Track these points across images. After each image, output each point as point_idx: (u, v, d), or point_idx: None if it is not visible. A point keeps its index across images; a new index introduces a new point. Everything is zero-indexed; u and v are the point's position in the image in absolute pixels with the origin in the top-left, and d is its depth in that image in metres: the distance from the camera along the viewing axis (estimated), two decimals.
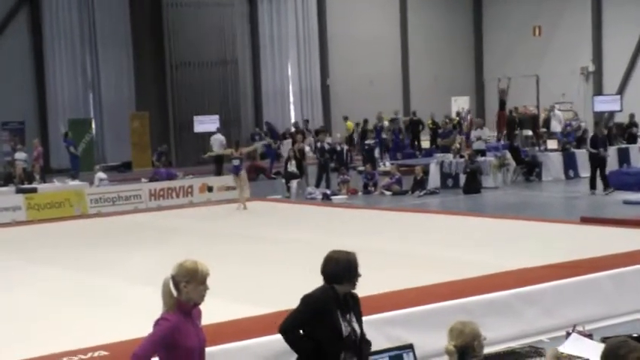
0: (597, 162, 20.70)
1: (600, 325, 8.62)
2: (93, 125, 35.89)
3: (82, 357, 7.18)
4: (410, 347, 5.71)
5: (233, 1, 37.60)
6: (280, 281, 10.59)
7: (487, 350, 6.62)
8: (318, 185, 23.99)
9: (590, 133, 25.68)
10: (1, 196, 21.36)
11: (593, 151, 20.83)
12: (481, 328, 5.04)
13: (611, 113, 34.27)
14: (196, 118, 34.86)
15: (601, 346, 5.60)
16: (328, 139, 27.39)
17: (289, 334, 5.69)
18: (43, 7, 35.32)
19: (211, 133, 31.89)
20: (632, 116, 29.58)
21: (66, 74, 35.91)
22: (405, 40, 42.69)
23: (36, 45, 35.24)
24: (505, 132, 28.85)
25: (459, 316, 5.60)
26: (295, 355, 5.74)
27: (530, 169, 24.19)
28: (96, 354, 7.25)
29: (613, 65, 38.66)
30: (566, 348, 6.75)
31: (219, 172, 27.50)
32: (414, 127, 35.51)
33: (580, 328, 7.32)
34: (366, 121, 33.77)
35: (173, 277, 5.07)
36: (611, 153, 23.10)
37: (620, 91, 37.19)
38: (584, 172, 23.84)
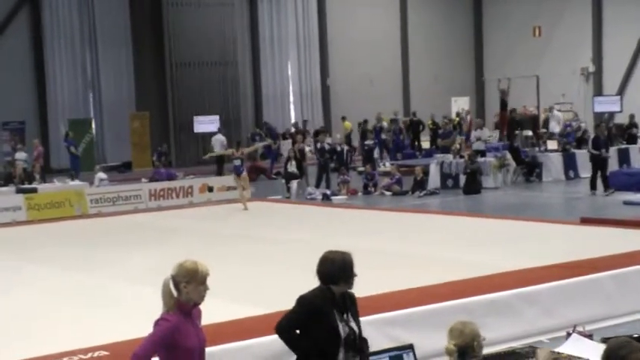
0: (599, 163, 20.68)
1: (600, 326, 8.61)
2: (93, 125, 35.90)
3: (82, 357, 7.18)
4: (410, 347, 5.71)
5: (233, 1, 37.61)
6: (280, 282, 10.58)
7: (487, 350, 6.62)
8: (318, 186, 23.99)
9: (590, 134, 25.70)
10: (2, 196, 21.36)
11: (595, 152, 20.81)
12: (481, 328, 5.04)
13: (611, 114, 34.27)
14: (196, 119, 34.90)
15: (601, 347, 5.59)
16: (328, 140, 27.40)
17: (285, 333, 5.70)
18: (43, 6, 35.33)
19: (211, 134, 31.93)
20: (632, 117, 29.57)
21: (66, 74, 35.92)
22: (405, 40, 42.70)
23: (36, 45, 35.25)
24: (506, 132, 28.84)
25: (459, 317, 5.60)
26: (295, 356, 5.75)
27: (531, 170, 24.18)
28: (96, 354, 7.25)
29: (613, 66, 38.66)
30: (566, 348, 6.75)
31: (220, 173, 27.52)
32: (415, 127, 35.50)
33: (580, 329, 7.32)
34: (365, 122, 33.78)
35: (173, 278, 5.07)
36: (611, 154, 23.09)
37: (620, 91, 37.20)
38: (585, 172, 23.84)
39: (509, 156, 24.06)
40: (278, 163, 30.63)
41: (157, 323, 5.04)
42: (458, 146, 25.52)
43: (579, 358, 6.43)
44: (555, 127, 29.70)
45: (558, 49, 39.72)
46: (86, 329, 8.74)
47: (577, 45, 39.42)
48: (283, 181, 24.14)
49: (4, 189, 22.80)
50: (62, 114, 35.26)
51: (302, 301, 5.64)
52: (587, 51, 39.48)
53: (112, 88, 36.89)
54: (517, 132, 27.43)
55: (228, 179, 23.04)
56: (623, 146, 26.52)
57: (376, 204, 21.29)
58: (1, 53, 33.78)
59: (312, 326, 5.54)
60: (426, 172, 23.64)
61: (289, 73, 40.76)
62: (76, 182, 24.40)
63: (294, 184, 23.33)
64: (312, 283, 5.72)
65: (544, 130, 28.91)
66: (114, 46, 36.45)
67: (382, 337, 7.71)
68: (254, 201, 20.75)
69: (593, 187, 20.68)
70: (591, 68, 39.56)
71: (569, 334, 7.18)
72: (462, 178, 22.93)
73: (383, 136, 32.30)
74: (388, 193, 22.91)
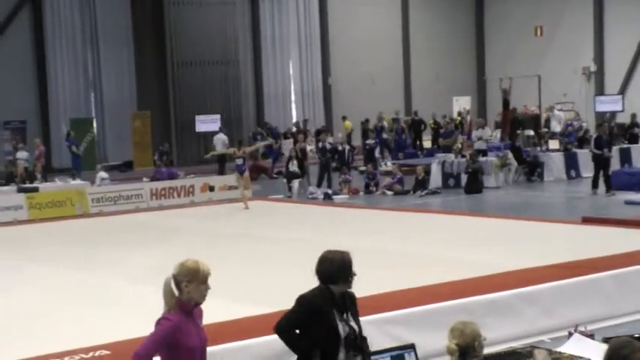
0: (601, 163, 20.64)
1: (602, 326, 8.61)
2: (94, 124, 35.93)
3: (84, 356, 7.18)
4: (411, 347, 5.71)
5: (235, 0, 37.61)
6: (281, 281, 10.57)
7: (488, 350, 6.62)
8: (319, 185, 23.98)
9: (592, 134, 25.65)
10: (3, 196, 21.38)
11: (597, 151, 20.78)
12: (482, 328, 5.04)
13: (613, 113, 34.25)
14: (198, 118, 34.90)
15: (603, 347, 5.60)
16: (330, 139, 27.39)
17: (284, 333, 5.71)
18: (45, 6, 35.34)
19: (212, 133, 31.95)
20: (633, 116, 29.54)
21: (67, 74, 35.93)
22: (407, 39, 42.69)
23: (37, 44, 35.25)
24: (508, 132, 28.80)
25: (460, 316, 5.60)
26: (295, 356, 5.75)
27: (532, 169, 24.17)
28: (97, 353, 7.25)
29: (615, 65, 38.65)
30: (568, 348, 6.75)
31: (222, 172, 27.54)
32: (417, 126, 35.49)
33: (582, 329, 7.32)
34: (367, 121, 33.77)
35: (174, 277, 5.07)
36: (613, 153, 23.07)
37: (622, 91, 37.18)
38: (586, 172, 23.82)
39: (510, 155, 24.05)
40: (279, 163, 30.64)
41: (158, 322, 5.04)
42: (459, 146, 25.51)
43: (581, 357, 6.43)
44: (556, 127, 29.67)
45: (560, 49, 39.71)
46: (87, 328, 8.74)
47: (578, 44, 39.41)
48: (285, 180, 24.14)
49: (5, 188, 22.81)
50: (63, 113, 35.27)
51: (301, 300, 5.65)
52: (588, 50, 39.47)
53: (114, 87, 36.89)
54: (519, 131, 27.41)
55: (230, 178, 23.06)
56: (625, 146, 26.50)
57: (378, 203, 21.28)
58: (2, 53, 33.80)
59: (312, 326, 5.54)
60: (427, 172, 23.63)
61: (291, 72, 40.77)
62: (78, 181, 24.41)
63: (295, 183, 23.33)
64: (314, 282, 5.73)
65: (545, 130, 28.88)
66: (115, 45, 36.46)
67: (383, 336, 7.71)
68: (255, 200, 20.75)
69: (594, 186, 20.66)
70: (593, 68, 39.55)
71: (570, 334, 7.18)
72: (464, 178, 22.92)
73: (384, 136, 32.28)
74: (390, 192, 22.90)
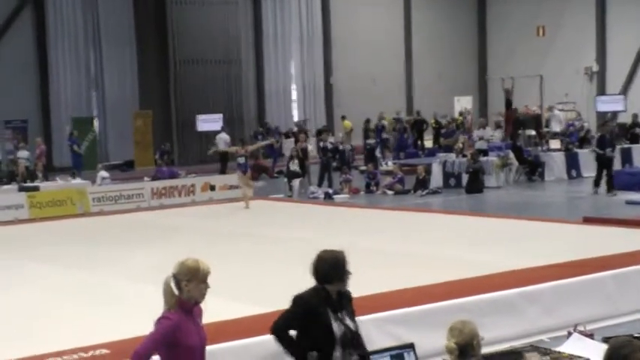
0: (604, 162, 20.60)
1: (602, 325, 8.61)
2: (96, 124, 35.94)
3: (84, 355, 7.19)
4: (411, 346, 5.72)
5: (237, 0, 37.61)
6: (281, 280, 10.55)
7: (488, 349, 6.63)
8: (320, 184, 23.99)
9: (593, 134, 25.67)
10: (4, 194, 21.37)
11: (600, 151, 20.77)
12: (483, 327, 5.05)
13: (615, 113, 34.23)
14: (199, 117, 34.91)
15: (602, 346, 5.60)
16: (331, 139, 27.40)
17: (280, 333, 5.73)
18: (47, 5, 35.33)
19: (214, 132, 31.95)
20: (635, 116, 29.53)
21: (69, 73, 35.91)
22: (409, 39, 42.67)
23: (39, 43, 35.24)
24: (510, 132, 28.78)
25: (460, 316, 5.60)
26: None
27: (533, 169, 24.17)
28: (97, 352, 7.26)
29: (617, 65, 38.62)
30: (567, 347, 6.76)
31: (224, 171, 27.55)
32: (419, 126, 35.49)
33: (581, 328, 7.33)
34: (368, 121, 33.77)
35: (174, 276, 5.08)
36: (615, 153, 23.04)
37: (624, 91, 37.16)
38: (587, 172, 23.83)
39: (511, 155, 24.05)
40: (280, 162, 30.65)
41: (158, 321, 5.05)
42: (460, 145, 25.51)
43: (580, 357, 6.44)
44: (556, 127, 29.65)
45: (562, 49, 39.69)
46: (88, 327, 8.75)
47: (581, 44, 39.39)
48: (285, 179, 24.14)
49: (6, 187, 22.80)
50: (65, 112, 35.25)
51: (298, 300, 5.67)
52: (590, 50, 39.45)
53: (116, 86, 36.89)
54: (520, 131, 27.41)
55: (231, 178, 23.06)
56: (626, 146, 26.48)
57: (378, 203, 21.28)
58: (4, 51, 33.80)
59: (308, 326, 5.56)
60: (428, 171, 23.63)
61: (292, 71, 40.78)
62: (78, 180, 24.42)
63: (296, 182, 23.33)
64: (313, 281, 5.74)
65: (547, 130, 28.86)
66: (117, 44, 36.45)
67: (383, 335, 7.71)
68: (256, 199, 20.75)
69: (596, 185, 20.64)
70: (595, 68, 39.53)
71: (570, 334, 7.19)
72: (465, 177, 22.91)
73: (384, 135, 32.29)
74: (390, 192, 22.90)
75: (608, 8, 39.06)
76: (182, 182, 23.43)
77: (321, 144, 25.52)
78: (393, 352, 5.64)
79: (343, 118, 36.74)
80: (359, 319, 6.02)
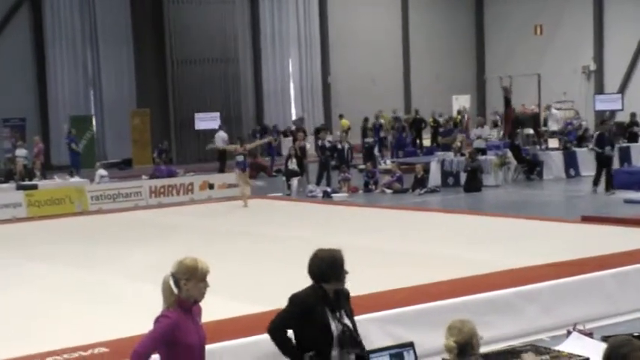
0: (603, 161, 20.59)
1: (601, 324, 8.61)
2: (94, 122, 35.93)
3: (82, 353, 7.17)
4: (410, 345, 5.71)
5: None
6: (280, 279, 10.55)
7: (487, 348, 6.62)
8: (318, 183, 23.99)
9: (591, 132, 25.64)
10: (2, 193, 21.35)
11: (599, 150, 20.77)
12: (482, 326, 5.05)
13: (612, 112, 34.25)
14: (197, 116, 34.91)
15: (601, 345, 5.60)
16: (329, 137, 27.39)
17: (276, 333, 5.71)
18: (45, 4, 35.34)
19: (212, 131, 31.94)
20: (633, 115, 29.54)
21: (67, 71, 35.93)
22: (407, 38, 42.69)
23: (37, 42, 35.25)
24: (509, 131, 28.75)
25: (459, 315, 5.59)
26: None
27: (531, 168, 24.17)
28: (96, 351, 7.24)
29: (614, 64, 38.66)
30: (566, 346, 6.75)
31: (222, 169, 27.54)
32: (417, 125, 35.50)
33: (580, 327, 7.33)
34: (366, 119, 33.78)
35: (173, 275, 5.07)
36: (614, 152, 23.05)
37: (622, 90, 37.19)
38: (585, 170, 23.85)
39: (510, 154, 24.06)
40: (279, 161, 30.64)
41: (157, 320, 5.05)
42: (459, 144, 25.52)
43: (579, 356, 6.43)
44: (553, 126, 29.64)
45: (560, 48, 39.72)
46: (86, 326, 8.73)
47: (578, 43, 39.42)
48: (284, 178, 24.14)
49: (4, 185, 22.79)
50: (63, 111, 35.27)
51: (294, 300, 5.66)
52: (588, 49, 39.48)
53: (113, 85, 36.90)
54: (518, 130, 27.40)
55: (229, 176, 23.06)
56: (625, 145, 26.49)
57: (377, 202, 21.29)
58: (2, 50, 33.79)
59: (305, 325, 5.56)
60: (426, 170, 23.64)
61: (290, 70, 40.77)
62: (76, 179, 24.40)
63: (294, 181, 23.33)
64: (311, 280, 5.73)
65: (545, 129, 28.86)
66: (115, 43, 36.46)
67: (382, 334, 7.71)
68: (254, 198, 20.74)
69: (595, 184, 20.64)
70: (592, 67, 39.56)
71: (569, 333, 7.19)
72: (463, 176, 22.93)
73: (381, 134, 32.29)
74: (389, 190, 22.90)
75: (605, 7, 39.10)
76: (180, 181, 23.43)
77: (320, 142, 25.51)
78: (393, 351, 5.64)
79: (341, 116, 36.74)
80: (358, 318, 6.01)
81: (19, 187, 22.00)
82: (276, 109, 40.06)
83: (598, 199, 19.70)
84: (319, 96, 40.89)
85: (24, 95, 34.23)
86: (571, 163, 24.80)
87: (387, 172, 25.57)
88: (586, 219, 15.12)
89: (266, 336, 7.12)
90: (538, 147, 25.34)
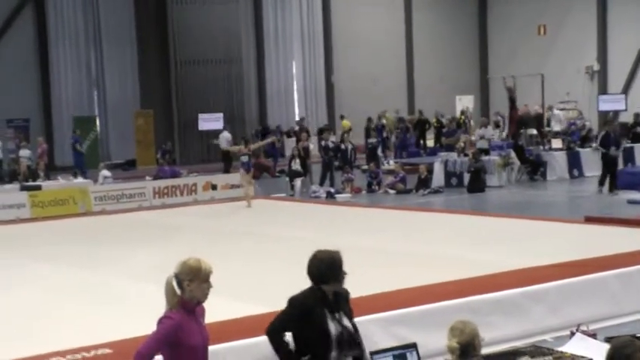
0: (609, 161, 20.54)
1: (604, 325, 8.60)
2: (97, 123, 35.97)
3: (86, 354, 7.17)
4: (413, 346, 5.70)
5: None
6: (283, 280, 10.51)
7: (491, 349, 6.62)
8: (322, 184, 23.99)
9: (595, 133, 25.58)
10: (6, 194, 21.39)
11: (603, 150, 20.74)
12: (485, 327, 5.05)
13: (616, 112, 34.21)
14: (201, 116, 34.89)
15: (605, 346, 5.59)
16: (332, 138, 27.39)
17: (274, 335, 5.71)
18: (48, 4, 35.37)
19: (215, 131, 31.95)
20: (636, 115, 29.49)
21: (71, 72, 35.96)
22: (410, 38, 42.66)
23: (40, 42, 35.28)
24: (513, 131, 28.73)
25: (463, 315, 5.59)
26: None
27: (535, 168, 24.16)
28: (99, 352, 7.24)
29: (618, 64, 38.60)
30: (570, 347, 6.75)
31: (227, 170, 27.54)
32: (421, 125, 35.48)
33: (584, 328, 7.32)
34: (370, 120, 33.77)
35: (176, 275, 5.07)
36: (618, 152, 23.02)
37: (625, 90, 37.13)
38: (589, 171, 23.84)
39: (513, 154, 24.04)
40: (282, 161, 30.64)
41: (160, 321, 5.05)
42: (462, 144, 25.50)
43: (583, 357, 6.43)
44: (556, 126, 29.62)
45: (563, 48, 39.68)
46: (89, 327, 8.73)
47: (582, 43, 39.37)
48: (287, 179, 24.14)
49: (8, 186, 22.84)
50: (67, 112, 35.30)
51: (293, 302, 5.65)
52: (592, 50, 39.43)
53: (117, 86, 36.93)
54: (522, 130, 27.39)
55: (232, 177, 23.07)
56: (628, 145, 26.45)
57: (380, 202, 21.28)
58: (5, 51, 33.83)
59: (304, 327, 5.55)
60: (430, 171, 23.64)
61: (293, 70, 40.77)
62: (80, 180, 24.43)
63: (298, 182, 23.33)
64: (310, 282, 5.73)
65: (548, 129, 28.83)
66: (118, 44, 36.49)
67: (386, 335, 7.70)
68: (258, 199, 20.75)
69: (601, 184, 20.61)
70: (596, 67, 39.51)
71: (573, 334, 7.18)
72: (466, 177, 22.91)
73: (384, 134, 32.28)
74: (392, 191, 22.89)
75: (609, 7, 39.04)
76: (184, 181, 23.43)
77: (323, 143, 25.51)
78: (396, 352, 5.63)
79: (342, 117, 36.72)
80: (361, 319, 6.01)
81: (23, 188, 22.03)
82: (279, 110, 40.06)
83: (601, 200, 19.67)
84: (322, 96, 40.88)
85: (27, 96, 34.25)
86: (574, 163, 24.78)
87: (390, 172, 25.56)
88: (589, 219, 15.10)
89: None
90: (541, 147, 25.33)
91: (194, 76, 36.27)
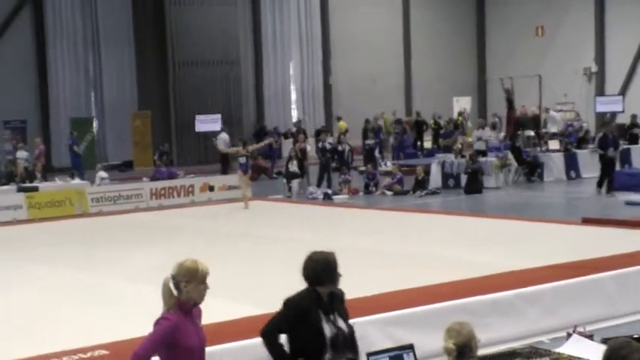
0: (607, 163, 20.55)
1: (601, 326, 8.60)
2: (95, 124, 35.93)
3: (82, 356, 7.17)
4: (410, 347, 5.70)
5: (236, 1, 37.59)
6: (280, 281, 10.51)
7: (488, 350, 6.62)
8: (319, 185, 23.98)
9: (592, 134, 25.60)
10: (3, 195, 21.35)
11: (601, 151, 20.75)
12: (482, 328, 5.05)
13: (613, 114, 34.24)
14: (198, 118, 34.86)
15: (601, 347, 5.59)
16: (330, 139, 27.39)
17: (269, 336, 5.70)
18: (46, 5, 35.33)
19: (212, 133, 31.93)
20: (634, 117, 29.51)
21: (68, 73, 35.92)
22: (408, 39, 42.66)
23: (38, 44, 35.24)
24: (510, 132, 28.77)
25: (460, 317, 5.59)
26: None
27: (532, 170, 24.17)
28: (96, 353, 7.24)
29: (615, 66, 38.62)
30: (566, 349, 6.75)
31: (225, 171, 27.52)
32: (419, 127, 35.47)
33: (581, 329, 7.32)
34: (367, 121, 33.77)
35: (173, 277, 5.07)
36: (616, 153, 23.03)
37: (623, 91, 37.14)
38: (586, 172, 23.86)
39: (510, 156, 24.06)
40: (279, 162, 30.63)
41: (157, 322, 5.05)
42: (459, 146, 25.52)
43: (580, 358, 6.43)
44: (552, 128, 29.64)
45: (561, 49, 39.69)
46: (86, 328, 8.74)
47: (579, 45, 39.39)
48: (284, 180, 24.14)
49: (5, 187, 22.79)
50: (64, 113, 35.26)
51: (289, 304, 5.65)
52: (589, 51, 39.45)
53: (114, 87, 36.90)
54: (519, 132, 27.42)
55: (229, 178, 23.06)
56: (625, 146, 26.46)
57: (377, 203, 21.28)
58: (3, 51, 33.79)
59: (299, 328, 5.54)
60: (427, 172, 23.64)
61: (291, 72, 40.76)
62: (77, 181, 24.40)
63: (295, 183, 23.33)
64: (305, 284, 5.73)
65: (545, 131, 28.85)
66: (116, 45, 36.45)
67: (382, 336, 7.71)
68: (255, 200, 20.75)
69: (599, 185, 20.62)
70: (594, 68, 39.53)
71: (569, 335, 7.19)
72: (464, 178, 22.92)
73: (381, 136, 32.29)
74: (389, 192, 22.90)
75: (607, 8, 39.06)
76: (181, 183, 23.42)
77: (320, 144, 25.51)
78: (392, 354, 5.63)
79: (339, 119, 36.72)
80: (357, 320, 6.01)
81: (20, 189, 21.99)
82: (277, 111, 40.04)
83: (598, 201, 19.69)
84: (320, 98, 40.86)
85: (25, 97, 34.21)
86: (572, 164, 24.80)
87: (387, 173, 25.57)
88: (586, 221, 15.12)
89: None
90: (539, 149, 25.34)
91: (192, 77, 36.24)
